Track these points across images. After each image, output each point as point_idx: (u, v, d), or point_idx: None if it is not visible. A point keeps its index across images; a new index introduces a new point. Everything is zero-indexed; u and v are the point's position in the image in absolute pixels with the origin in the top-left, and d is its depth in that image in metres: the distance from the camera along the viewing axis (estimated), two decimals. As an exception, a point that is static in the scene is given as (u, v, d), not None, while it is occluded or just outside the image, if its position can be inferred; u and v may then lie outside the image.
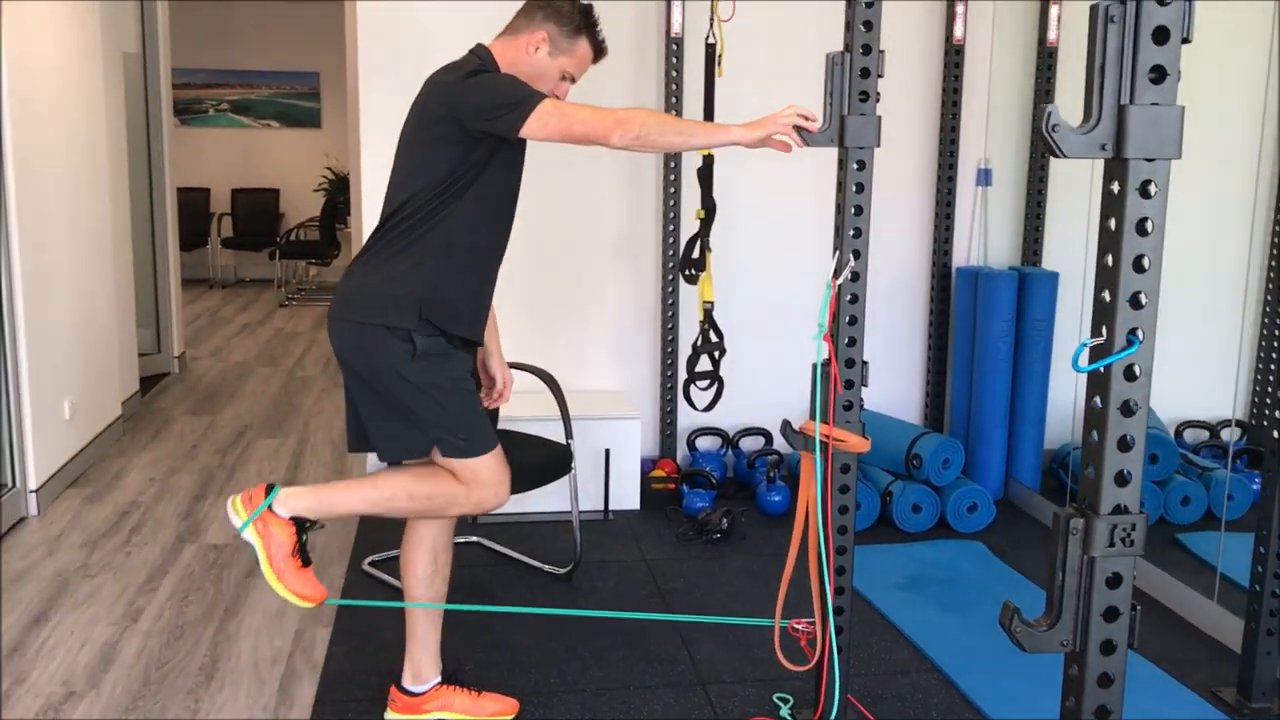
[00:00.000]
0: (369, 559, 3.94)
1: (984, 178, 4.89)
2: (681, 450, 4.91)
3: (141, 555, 4.02)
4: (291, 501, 2.62)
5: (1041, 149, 4.78)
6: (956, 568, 3.99)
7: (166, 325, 6.95)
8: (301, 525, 2.63)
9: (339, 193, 10.71)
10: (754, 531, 4.31)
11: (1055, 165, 4.79)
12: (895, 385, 5.03)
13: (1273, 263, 4.31)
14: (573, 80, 2.77)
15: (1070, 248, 4.69)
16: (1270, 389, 3.30)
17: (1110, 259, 1.63)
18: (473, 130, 2.54)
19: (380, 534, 4.21)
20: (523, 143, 2.63)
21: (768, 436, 4.89)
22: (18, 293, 4.25)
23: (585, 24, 2.73)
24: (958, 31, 4.69)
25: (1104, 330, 1.65)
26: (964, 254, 4.94)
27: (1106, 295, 1.64)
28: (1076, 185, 4.60)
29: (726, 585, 3.81)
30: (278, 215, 11.55)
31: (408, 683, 2.85)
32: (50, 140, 4.65)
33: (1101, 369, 1.66)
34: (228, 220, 11.49)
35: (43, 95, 4.57)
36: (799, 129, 2.54)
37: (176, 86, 10.70)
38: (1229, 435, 4.57)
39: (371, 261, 2.64)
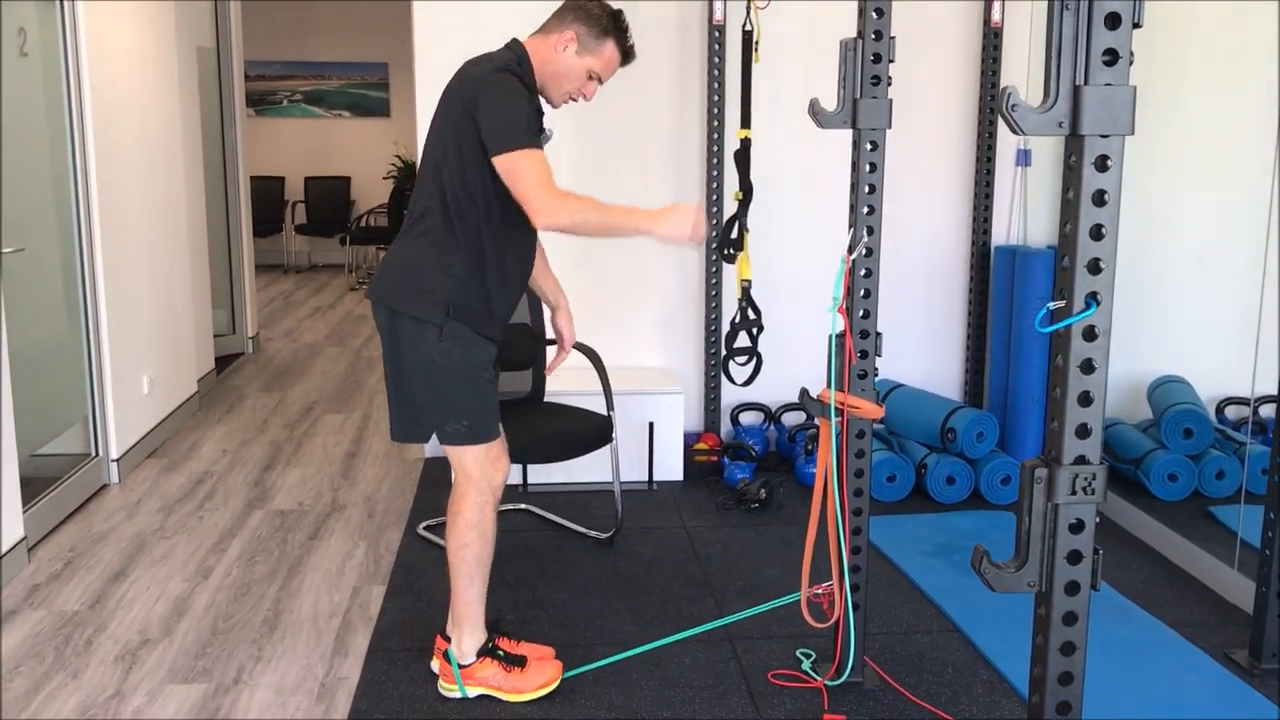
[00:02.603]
0: (424, 524, 4.17)
1: (1023, 158, 4.97)
2: (726, 425, 5.07)
3: (213, 519, 4.29)
4: (463, 646, 2.96)
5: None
6: (986, 536, 4.10)
7: (241, 308, 7.27)
8: (488, 649, 2.96)
9: (407, 180, 11.01)
10: (791, 502, 4.46)
11: (1095, 145, 4.85)
12: (935, 361, 5.14)
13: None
14: (600, 81, 2.89)
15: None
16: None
17: (1070, 227, 1.77)
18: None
19: (436, 500, 4.45)
20: None
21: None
22: (99, 274, 4.55)
23: (614, 27, 2.85)
24: (995, 15, 4.78)
25: (1064, 294, 1.78)
26: (1003, 233, 5.03)
27: (1066, 261, 1.78)
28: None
29: (761, 551, 3.97)
30: (349, 202, 11.89)
31: (455, 655, 3.01)
32: (129, 131, 4.94)
33: (1062, 330, 1.79)
34: (301, 208, 11.86)
35: (121, 88, 4.86)
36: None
37: (251, 78, 11.10)
38: (1269, 411, 4.61)
39: (408, 249, 2.82)
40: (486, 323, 2.84)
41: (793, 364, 4.88)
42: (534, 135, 2.68)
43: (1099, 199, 1.75)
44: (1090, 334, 1.78)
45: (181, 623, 3.42)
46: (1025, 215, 5.01)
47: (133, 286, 4.93)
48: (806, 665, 3.11)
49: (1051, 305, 1.81)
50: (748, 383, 4.43)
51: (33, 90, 4.22)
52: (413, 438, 2.93)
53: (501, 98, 2.68)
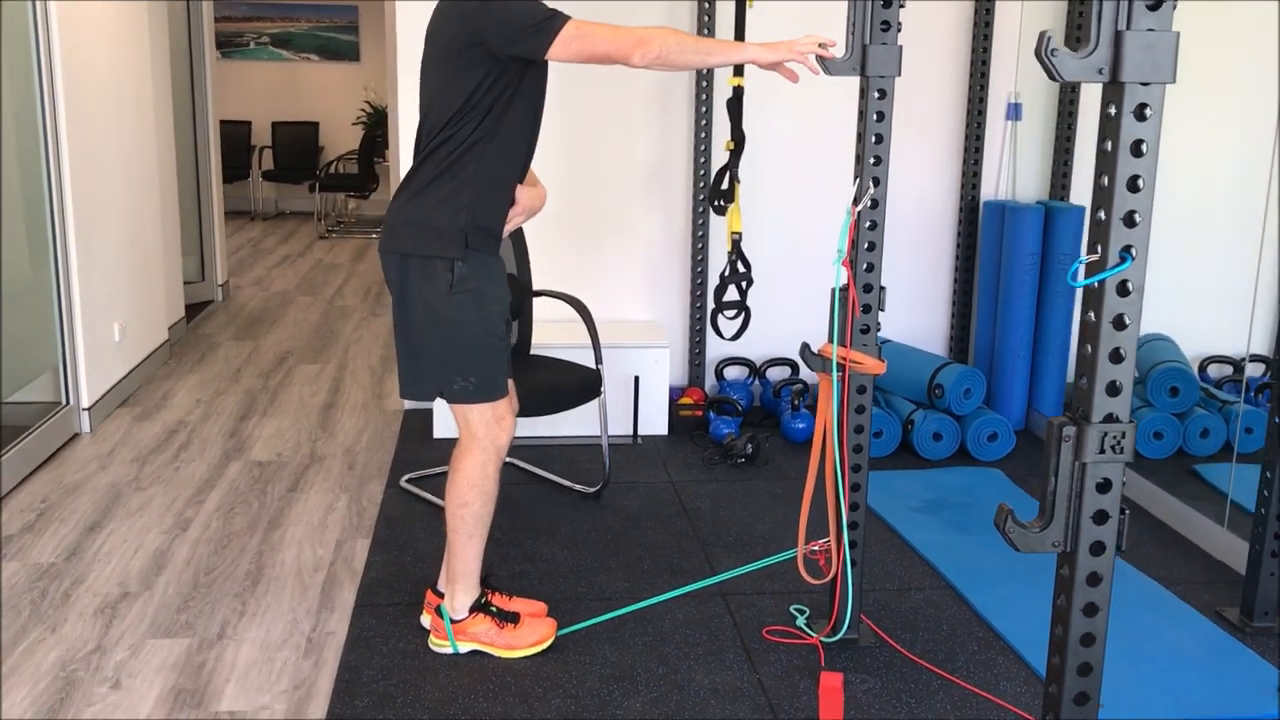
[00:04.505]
0: (407, 476, 4.10)
1: (1014, 112, 4.91)
2: (710, 380, 5.02)
3: (189, 470, 4.20)
4: (456, 602, 2.91)
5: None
6: (973, 493, 4.09)
7: (211, 254, 7.11)
8: (480, 604, 2.90)
9: (377, 126, 10.81)
10: (777, 457, 4.43)
11: (1085, 101, 4.81)
12: (921, 317, 5.11)
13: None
14: None
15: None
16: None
17: (1106, 179, 1.71)
18: (499, 54, 2.61)
19: (417, 451, 4.38)
20: (547, 63, 2.70)
21: (794, 366, 4.99)
22: (69, 220, 4.41)
23: None
24: (990, -36, 4.70)
25: (1099, 247, 1.73)
26: (992, 188, 4.98)
27: (1102, 214, 1.72)
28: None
29: (749, 506, 3.94)
30: (317, 148, 11.67)
31: (448, 610, 2.93)
32: (98, 74, 4.78)
33: (1095, 284, 1.74)
34: (268, 153, 11.62)
35: (89, 29, 4.68)
36: (819, 58, 2.61)
37: (218, 20, 10.83)
38: (1252, 370, 4.61)
39: (413, 192, 2.73)
40: (499, 239, 2.79)
41: (777, 318, 4.84)
42: (560, 13, 2.56)
43: (1137, 149, 1.69)
44: (1124, 289, 1.73)
45: (161, 576, 3.34)
46: (1015, 170, 4.96)
47: (103, 231, 4.79)
48: (801, 621, 3.08)
49: (1085, 258, 1.76)
50: (736, 337, 4.37)
51: (-1, 25, 4.06)
52: (420, 395, 2.85)
53: (506, 3, 2.57)
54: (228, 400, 5.09)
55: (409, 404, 4.97)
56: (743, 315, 4.36)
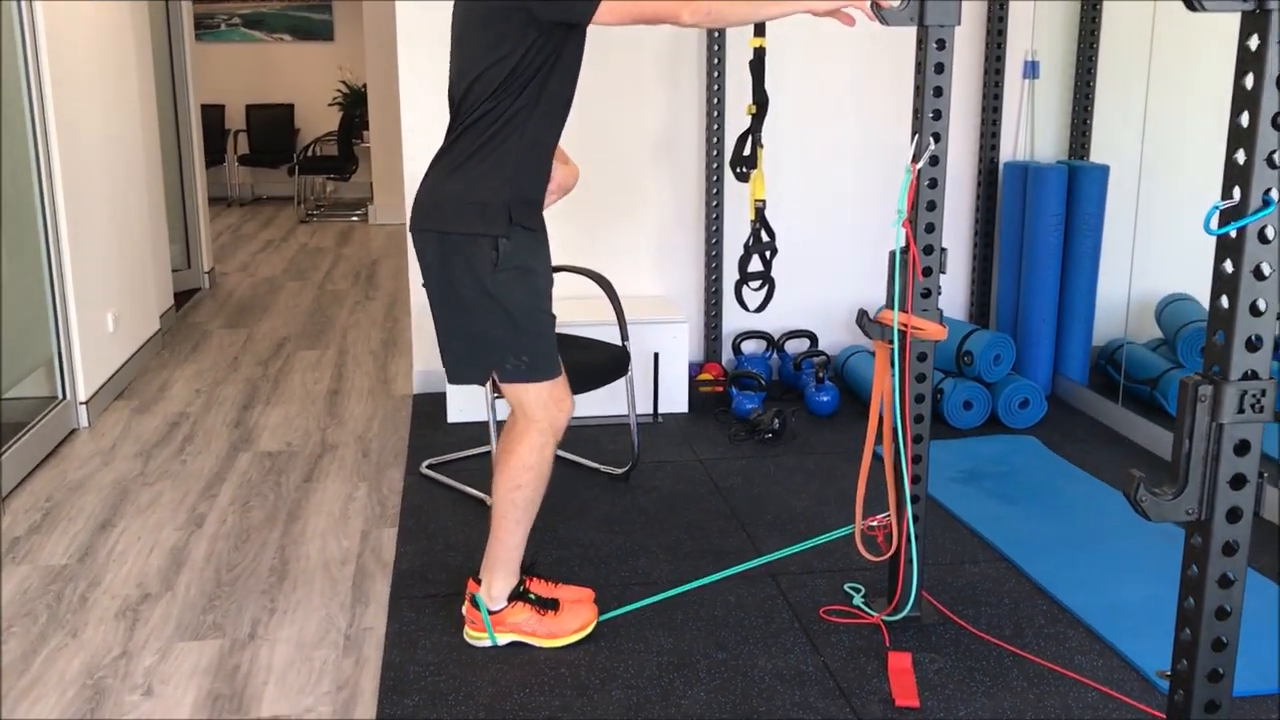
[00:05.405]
0: (426, 462, 3.94)
1: (1031, 70, 4.79)
2: (726, 354, 4.89)
3: (197, 463, 4.03)
4: (494, 591, 2.76)
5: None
6: (1011, 461, 3.98)
7: (196, 241, 6.90)
8: (518, 593, 2.76)
9: (355, 106, 10.57)
10: (805, 431, 4.30)
11: (1104, 57, 4.70)
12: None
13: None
14: None
15: (1119, 141, 4.61)
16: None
17: (1247, 117, 1.59)
18: (543, 21, 2.45)
19: (431, 436, 4.23)
20: (585, 29, 2.55)
21: (813, 338, 4.86)
22: (60, 208, 4.21)
23: None
24: (1007, -82, 4.57)
25: (1237, 192, 1.61)
26: (1010, 148, 4.86)
27: (1241, 156, 1.60)
28: (1126, 76, 4.51)
29: (782, 482, 3.81)
30: (293, 131, 11.41)
31: (484, 600, 2.80)
32: (82, 58, 4.57)
33: (1233, 233, 1.62)
34: (243, 137, 11.35)
35: (73, 20, 4.46)
36: (875, 8, 2.46)
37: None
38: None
39: (450, 167, 2.58)
40: (540, 213, 2.65)
41: (794, 290, 4.70)
42: None
43: (1280, 84, 1.57)
44: (1264, 236, 1.61)
45: (181, 575, 3.18)
46: (1033, 130, 4.84)
47: (92, 218, 4.58)
48: (859, 600, 2.97)
49: (1222, 204, 1.63)
50: (761, 309, 4.24)
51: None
52: (469, 378, 2.71)
53: None
54: (228, 389, 4.91)
55: (417, 388, 4.81)
56: (767, 286, 4.22)
